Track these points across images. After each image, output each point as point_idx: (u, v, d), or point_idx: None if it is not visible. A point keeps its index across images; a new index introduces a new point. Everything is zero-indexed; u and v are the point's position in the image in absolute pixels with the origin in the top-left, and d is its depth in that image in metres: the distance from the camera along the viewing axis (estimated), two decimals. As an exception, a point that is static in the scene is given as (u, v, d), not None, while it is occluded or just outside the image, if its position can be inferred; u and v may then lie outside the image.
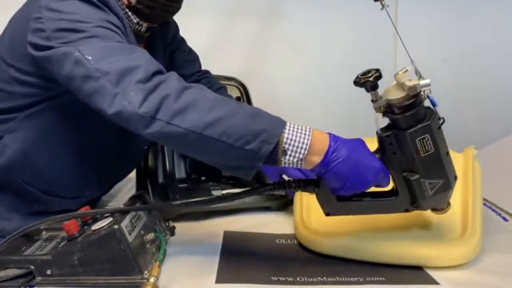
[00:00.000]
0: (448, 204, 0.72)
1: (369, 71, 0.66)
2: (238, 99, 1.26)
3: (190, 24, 1.13)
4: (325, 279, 0.69)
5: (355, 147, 0.65)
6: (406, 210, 0.71)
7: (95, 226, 0.67)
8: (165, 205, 0.94)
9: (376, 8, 0.70)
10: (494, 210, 0.99)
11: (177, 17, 0.96)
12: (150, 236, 0.73)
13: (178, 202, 0.95)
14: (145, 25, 0.88)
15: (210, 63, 1.16)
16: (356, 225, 0.78)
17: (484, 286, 0.67)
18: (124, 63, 0.65)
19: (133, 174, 1.07)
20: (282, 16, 1.66)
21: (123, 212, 0.71)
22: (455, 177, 0.70)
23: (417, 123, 0.65)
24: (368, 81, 0.65)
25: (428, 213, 0.75)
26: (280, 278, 0.69)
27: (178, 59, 1.06)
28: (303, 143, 0.63)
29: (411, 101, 0.64)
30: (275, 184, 0.72)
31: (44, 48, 0.70)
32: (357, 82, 0.66)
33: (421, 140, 0.65)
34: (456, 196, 0.76)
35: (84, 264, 0.65)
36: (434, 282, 0.68)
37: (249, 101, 1.28)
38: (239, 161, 0.64)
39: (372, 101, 0.68)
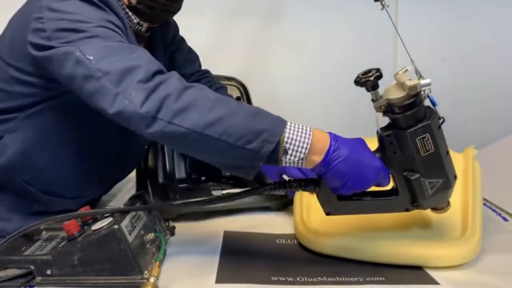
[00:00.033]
0: (448, 204, 0.72)
1: (369, 71, 0.66)
2: (238, 99, 1.26)
3: (190, 24, 1.13)
4: (325, 279, 0.69)
5: (356, 146, 0.65)
6: (406, 210, 0.71)
7: (95, 226, 0.67)
8: (165, 205, 0.94)
9: (376, 8, 0.70)
10: (494, 210, 0.99)
11: (177, 17, 0.96)
12: (150, 236, 0.73)
13: (178, 202, 0.95)
14: (145, 25, 0.88)
15: (210, 63, 1.16)
16: (356, 225, 0.78)
17: (484, 286, 0.67)
18: (125, 62, 0.65)
19: (133, 174, 1.07)
20: (282, 16, 1.66)
21: (123, 212, 0.71)
22: (455, 177, 0.70)
23: (417, 122, 0.65)
24: (368, 80, 0.65)
25: (428, 213, 0.75)
26: (280, 278, 0.69)
27: (178, 59, 1.06)
28: (304, 142, 0.63)
29: (411, 100, 0.64)
30: (276, 184, 0.72)
31: (45, 48, 0.70)
32: (358, 82, 0.66)
33: (421, 139, 0.65)
34: (456, 196, 0.76)
35: (84, 264, 0.65)
36: (434, 282, 0.68)
37: (249, 101, 1.28)
38: (240, 161, 0.64)
39: (373, 100, 0.68)
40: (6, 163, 0.81)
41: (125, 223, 0.68)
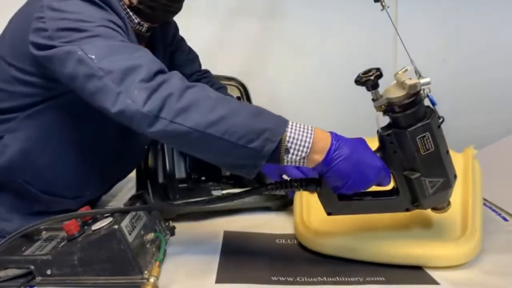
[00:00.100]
0: (449, 204, 0.72)
1: (370, 70, 0.66)
2: (238, 99, 1.26)
3: (190, 24, 1.13)
4: (325, 279, 0.69)
5: (357, 146, 0.66)
6: (407, 210, 0.71)
7: (95, 226, 0.67)
8: (165, 205, 0.94)
9: (376, 8, 0.70)
10: (494, 210, 0.99)
11: (177, 17, 0.96)
12: (150, 236, 0.73)
13: (178, 202, 0.95)
14: (146, 25, 0.88)
15: (210, 63, 1.16)
16: (356, 225, 0.78)
17: (484, 286, 0.67)
18: (127, 62, 0.65)
19: (133, 174, 1.07)
20: (282, 16, 1.66)
21: (123, 212, 0.71)
22: (455, 176, 0.70)
23: (418, 121, 0.65)
24: (369, 79, 0.65)
25: (428, 213, 0.75)
26: (280, 278, 0.69)
27: (178, 59, 1.06)
28: (305, 141, 0.63)
29: (412, 99, 0.65)
30: (277, 183, 0.72)
31: (47, 47, 0.70)
32: (358, 81, 0.66)
33: (421, 138, 0.65)
34: (456, 196, 0.76)
35: (84, 264, 0.65)
36: (434, 282, 0.68)
37: (249, 101, 1.28)
38: (242, 160, 0.64)
39: (373, 100, 0.68)
40: (6, 163, 0.81)
41: (125, 223, 0.68)
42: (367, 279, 0.69)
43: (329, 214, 0.72)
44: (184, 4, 0.90)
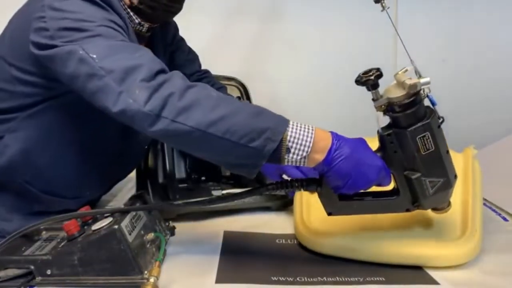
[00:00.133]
0: (449, 204, 0.72)
1: (370, 70, 0.66)
2: (238, 99, 1.26)
3: (190, 24, 1.13)
4: (325, 279, 0.69)
5: (357, 146, 0.66)
6: (407, 210, 0.71)
7: (95, 226, 0.67)
8: (165, 205, 0.94)
9: (376, 8, 0.70)
10: (494, 210, 0.99)
11: (177, 17, 0.96)
12: (150, 236, 0.73)
13: (178, 202, 0.95)
14: (146, 25, 0.88)
15: (210, 63, 1.16)
16: (356, 225, 0.78)
17: (484, 286, 0.67)
18: (128, 61, 0.66)
19: (133, 174, 1.07)
20: (282, 16, 1.66)
21: (123, 212, 0.71)
22: (455, 176, 0.70)
23: (418, 121, 0.65)
24: (369, 79, 0.65)
25: (428, 213, 0.75)
26: (280, 278, 0.69)
27: (178, 59, 1.06)
28: (306, 141, 0.63)
29: (412, 99, 0.65)
30: (277, 183, 0.72)
31: (48, 47, 0.70)
32: (359, 81, 0.66)
33: (421, 138, 0.65)
34: (456, 196, 0.76)
35: (84, 264, 0.65)
36: (434, 282, 0.68)
37: (249, 101, 1.28)
38: (243, 159, 0.64)
39: (373, 99, 0.68)
40: (6, 163, 0.81)
41: (125, 223, 0.68)
42: (367, 279, 0.69)
43: (329, 214, 0.72)
44: (184, 4, 0.90)
